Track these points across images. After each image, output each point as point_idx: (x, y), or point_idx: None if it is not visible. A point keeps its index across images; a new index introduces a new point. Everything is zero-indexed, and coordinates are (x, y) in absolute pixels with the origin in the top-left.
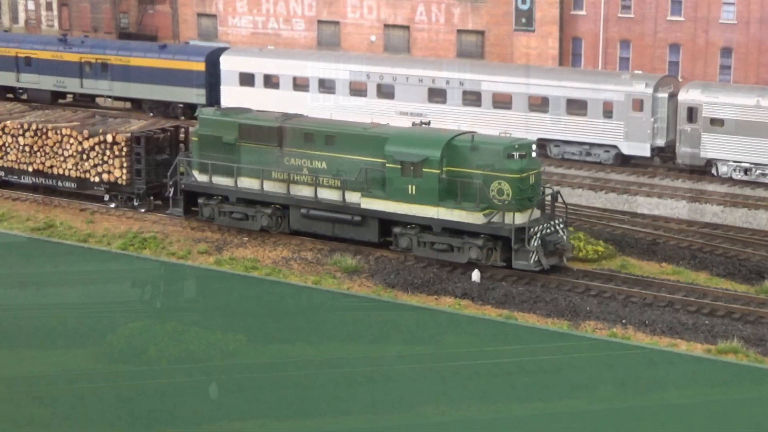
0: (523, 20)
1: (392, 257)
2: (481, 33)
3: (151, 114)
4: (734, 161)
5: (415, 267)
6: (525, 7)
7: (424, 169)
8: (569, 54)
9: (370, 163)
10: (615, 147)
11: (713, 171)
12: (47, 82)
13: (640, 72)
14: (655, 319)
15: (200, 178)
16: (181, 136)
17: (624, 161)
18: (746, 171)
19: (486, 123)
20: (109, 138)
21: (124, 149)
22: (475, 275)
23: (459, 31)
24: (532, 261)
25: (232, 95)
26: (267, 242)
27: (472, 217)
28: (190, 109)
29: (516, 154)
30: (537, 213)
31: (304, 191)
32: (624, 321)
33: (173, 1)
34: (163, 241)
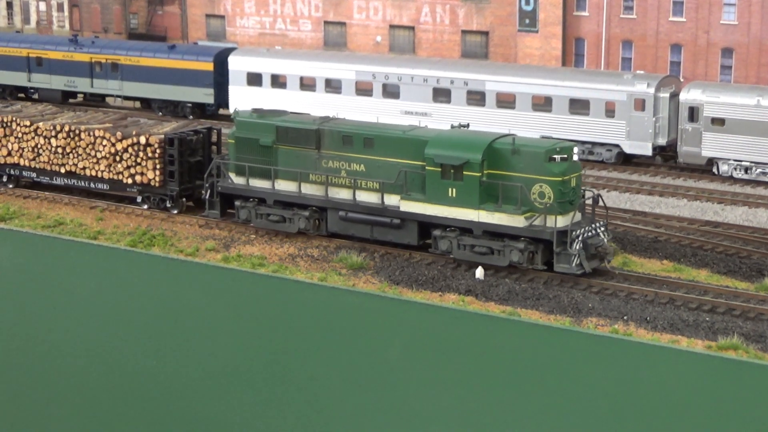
0: (527, 21)
1: (397, 254)
2: (486, 33)
3: (160, 113)
4: (735, 160)
5: (419, 264)
6: (529, 8)
7: (465, 172)
8: (572, 54)
9: (409, 165)
10: (617, 146)
11: (714, 170)
12: (58, 82)
13: (642, 72)
14: (656, 315)
15: (237, 180)
16: (214, 137)
17: (626, 160)
18: (746, 170)
19: (489, 122)
20: (143, 140)
21: (158, 151)
22: (479, 272)
23: (463, 32)
24: (573, 264)
25: (240, 95)
26: (274, 239)
27: (514, 220)
28: (198, 109)
29: (557, 157)
30: (578, 216)
31: (342, 194)
32: (626, 318)
33: (182, 2)
34: (171, 239)
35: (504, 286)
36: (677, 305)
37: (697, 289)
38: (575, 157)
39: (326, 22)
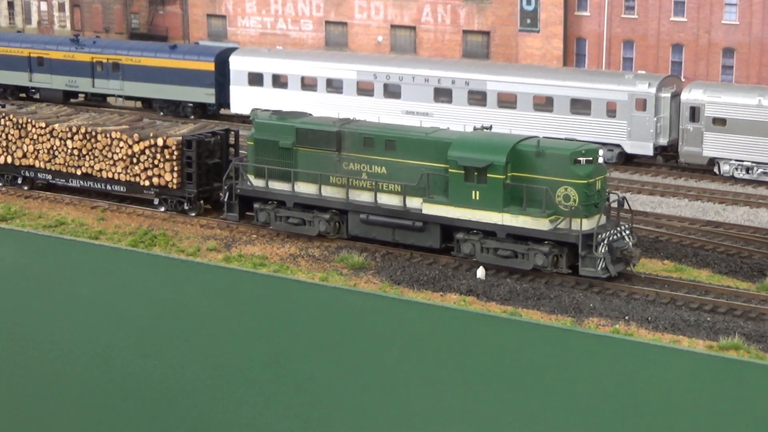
0: (528, 21)
1: (398, 254)
2: (487, 33)
3: (162, 113)
4: (736, 160)
5: (420, 264)
6: (530, 8)
7: (489, 175)
8: (573, 54)
9: (432, 168)
10: (618, 146)
11: (715, 170)
12: (59, 82)
13: (643, 72)
14: (657, 315)
15: (256, 182)
16: (231, 139)
17: (627, 160)
18: (748, 170)
19: (490, 123)
20: (160, 142)
21: (175, 153)
22: (480, 272)
23: (465, 32)
24: (599, 268)
25: (241, 95)
26: (275, 239)
27: (538, 224)
28: (200, 109)
29: (583, 160)
30: (603, 219)
31: (364, 196)
32: (627, 318)
33: (183, 1)
34: (172, 239)
35: (505, 286)
36: (678, 305)
37: (699, 289)
38: (600, 160)
39: (327, 22)
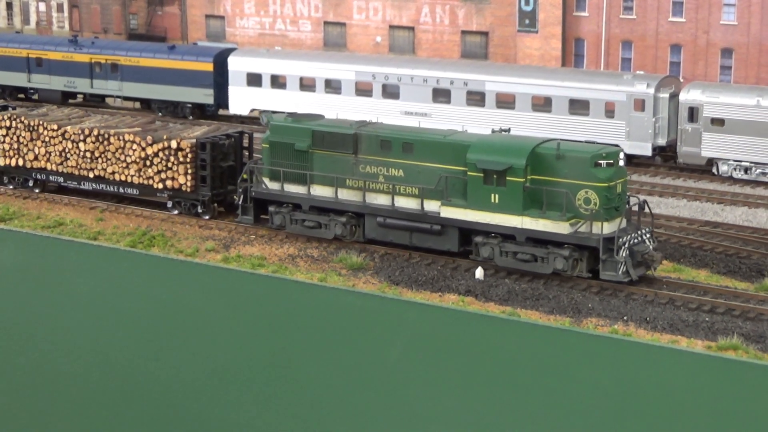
0: (527, 21)
1: (397, 255)
2: (485, 34)
3: (160, 114)
4: (734, 160)
5: (419, 264)
6: (528, 8)
7: (508, 178)
8: (572, 55)
9: (450, 170)
10: (617, 146)
11: (714, 170)
12: (58, 83)
13: (641, 72)
14: (656, 316)
15: (271, 185)
16: (245, 142)
17: (626, 160)
18: (746, 170)
19: (489, 123)
20: (174, 144)
21: (189, 156)
22: (479, 273)
23: (463, 32)
24: (620, 272)
25: (239, 95)
26: (274, 240)
27: (558, 227)
28: (198, 109)
29: (603, 163)
30: (624, 222)
31: (381, 199)
32: (625, 318)
33: (182, 2)
34: (171, 239)
35: (504, 286)
36: (677, 305)
37: (697, 289)
38: (621, 163)
39: (326, 23)
